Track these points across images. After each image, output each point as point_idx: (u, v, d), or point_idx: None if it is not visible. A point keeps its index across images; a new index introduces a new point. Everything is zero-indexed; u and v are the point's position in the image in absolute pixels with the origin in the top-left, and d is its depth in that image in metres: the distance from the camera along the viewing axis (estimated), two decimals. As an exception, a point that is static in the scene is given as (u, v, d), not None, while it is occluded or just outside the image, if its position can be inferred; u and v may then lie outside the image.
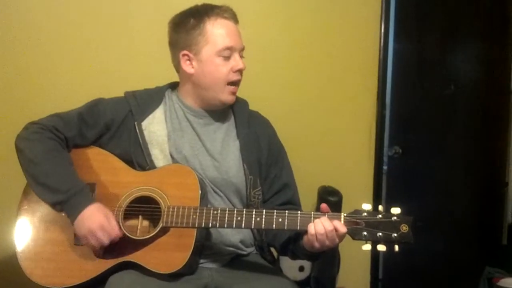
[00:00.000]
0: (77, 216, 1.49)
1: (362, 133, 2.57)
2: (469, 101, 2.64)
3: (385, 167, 2.62)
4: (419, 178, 2.66)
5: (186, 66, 1.65)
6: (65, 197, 1.50)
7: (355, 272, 2.59)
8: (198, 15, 1.61)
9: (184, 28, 1.63)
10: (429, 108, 2.66)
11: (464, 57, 2.65)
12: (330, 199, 2.39)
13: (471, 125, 2.65)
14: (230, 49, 1.60)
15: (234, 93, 1.65)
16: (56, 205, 1.52)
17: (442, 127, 2.67)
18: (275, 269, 1.75)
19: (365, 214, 1.43)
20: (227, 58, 1.60)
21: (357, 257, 2.48)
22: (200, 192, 1.53)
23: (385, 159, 2.62)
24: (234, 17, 1.63)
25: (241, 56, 1.63)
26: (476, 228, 2.65)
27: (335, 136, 2.55)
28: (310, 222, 1.44)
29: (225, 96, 1.64)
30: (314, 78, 2.51)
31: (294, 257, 1.66)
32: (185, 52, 1.63)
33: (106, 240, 1.49)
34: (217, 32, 1.60)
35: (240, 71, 1.62)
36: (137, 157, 1.63)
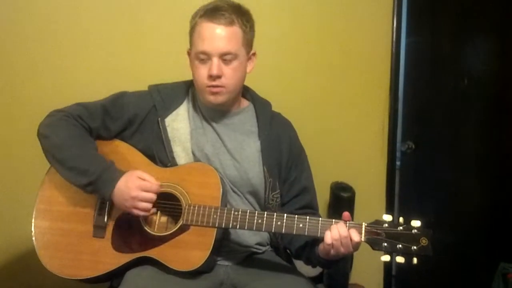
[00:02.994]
0: (111, 193, 1.50)
1: (374, 128, 2.56)
2: (483, 95, 2.61)
3: (398, 163, 2.61)
4: (432, 173, 2.64)
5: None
6: (95, 177, 1.50)
7: (369, 269, 2.57)
8: (196, 15, 1.60)
9: (189, 26, 1.63)
10: (442, 102, 2.64)
11: (477, 50, 2.62)
12: (342, 195, 2.38)
13: (484, 120, 2.63)
14: (204, 53, 1.56)
15: (213, 93, 1.58)
16: (87, 187, 1.52)
17: (456, 122, 2.64)
18: (290, 267, 1.74)
19: (386, 225, 1.43)
20: (204, 61, 1.57)
21: (371, 253, 2.45)
22: (221, 191, 1.53)
23: (398, 154, 2.60)
24: (223, 20, 1.55)
25: (225, 60, 1.56)
26: (490, 223, 2.62)
27: (348, 132, 2.53)
28: None
29: (207, 96, 1.61)
30: (326, 73, 2.49)
31: (308, 262, 1.66)
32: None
33: (153, 196, 1.50)
34: (198, 35, 1.57)
35: (212, 77, 1.56)
36: (159, 153, 1.63)
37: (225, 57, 1.56)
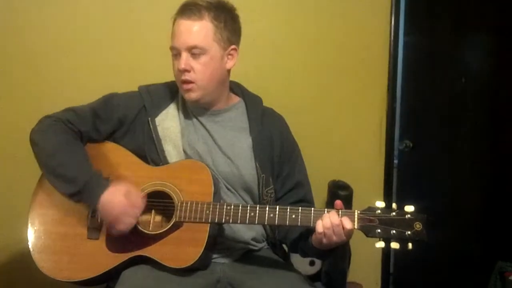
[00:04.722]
0: (97, 205, 1.49)
1: (372, 127, 2.57)
2: (480, 94, 2.61)
3: (395, 161, 2.61)
4: (429, 172, 2.65)
5: None
6: (80, 187, 1.49)
7: (366, 267, 2.59)
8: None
9: None
10: (440, 101, 2.64)
11: (475, 50, 2.62)
12: (340, 193, 2.38)
13: (482, 119, 2.62)
14: (174, 49, 1.59)
15: (187, 90, 1.60)
16: (74, 196, 1.52)
17: (453, 121, 2.64)
18: (287, 264, 1.75)
19: (379, 211, 1.42)
20: (177, 57, 1.59)
21: (368, 251, 2.47)
22: (213, 187, 1.54)
23: (396, 153, 2.61)
24: (191, 15, 1.56)
25: (194, 54, 1.57)
26: (487, 222, 2.62)
27: (346, 130, 2.54)
28: None
29: (182, 93, 1.64)
30: (324, 72, 2.50)
31: (304, 254, 1.66)
32: None
33: (138, 213, 1.49)
34: (172, 32, 1.60)
35: (181, 71, 1.57)
36: (150, 152, 1.64)
37: (193, 51, 1.57)
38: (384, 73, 2.55)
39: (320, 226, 1.41)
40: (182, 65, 1.56)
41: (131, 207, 1.48)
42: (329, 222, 1.40)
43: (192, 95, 1.61)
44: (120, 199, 1.48)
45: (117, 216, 1.48)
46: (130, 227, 1.50)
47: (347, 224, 1.40)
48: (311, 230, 1.50)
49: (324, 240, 1.42)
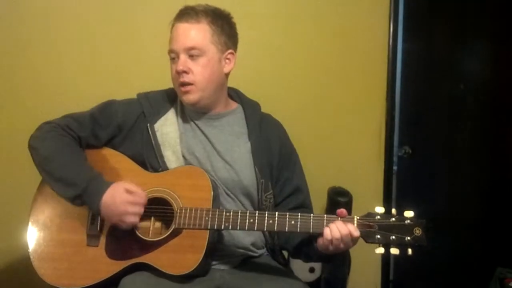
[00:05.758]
0: (99, 206, 1.48)
1: (371, 133, 2.57)
2: (479, 100, 2.62)
3: (395, 167, 2.61)
4: (429, 178, 2.65)
5: None
6: (81, 189, 1.49)
7: (366, 274, 2.58)
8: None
9: None
10: (438, 108, 2.65)
11: (473, 56, 2.64)
12: (340, 199, 2.38)
13: (481, 125, 2.64)
14: (172, 52, 1.61)
15: (185, 93, 1.61)
16: (76, 199, 1.51)
17: (452, 127, 2.66)
18: (287, 271, 1.74)
19: (378, 217, 1.42)
20: (175, 61, 1.61)
21: (368, 258, 2.47)
22: (212, 193, 1.53)
23: (395, 159, 2.61)
24: (189, 18, 1.59)
25: (192, 56, 1.59)
26: (487, 228, 2.63)
27: (345, 137, 2.54)
28: (323, 225, 1.44)
29: (181, 96, 1.65)
30: (323, 79, 2.50)
31: (308, 259, 1.66)
32: None
33: (141, 210, 1.49)
34: (170, 36, 1.62)
35: (179, 73, 1.59)
36: (149, 158, 1.64)
37: (191, 52, 1.58)
38: (383, 80, 2.55)
39: (328, 234, 1.41)
40: (180, 66, 1.58)
41: (133, 204, 1.49)
42: (338, 232, 1.40)
43: (191, 97, 1.61)
44: (121, 199, 1.48)
45: (119, 217, 1.48)
46: (133, 225, 1.50)
47: (355, 232, 1.40)
48: (315, 235, 1.50)
49: (331, 248, 1.43)
